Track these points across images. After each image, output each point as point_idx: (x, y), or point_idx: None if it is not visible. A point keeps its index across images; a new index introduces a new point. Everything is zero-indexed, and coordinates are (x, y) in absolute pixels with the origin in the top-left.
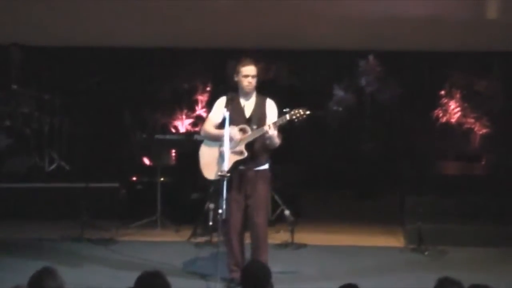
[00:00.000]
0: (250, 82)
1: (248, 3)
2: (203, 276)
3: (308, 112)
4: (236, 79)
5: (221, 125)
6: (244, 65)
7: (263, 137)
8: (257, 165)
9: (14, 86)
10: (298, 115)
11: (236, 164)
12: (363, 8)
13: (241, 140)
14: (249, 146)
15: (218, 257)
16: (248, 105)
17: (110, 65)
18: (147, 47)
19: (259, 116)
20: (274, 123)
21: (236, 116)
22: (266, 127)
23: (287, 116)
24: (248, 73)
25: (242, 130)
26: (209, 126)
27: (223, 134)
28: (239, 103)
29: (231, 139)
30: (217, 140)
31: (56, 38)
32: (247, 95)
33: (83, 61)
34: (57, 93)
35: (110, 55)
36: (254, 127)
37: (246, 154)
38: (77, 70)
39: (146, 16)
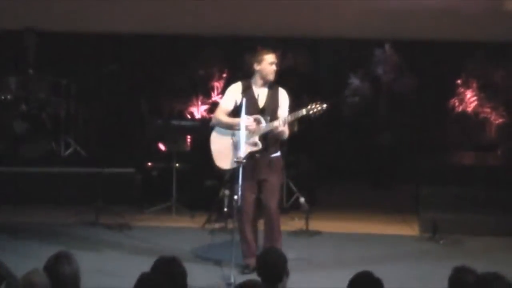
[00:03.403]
0: (275, 70)
1: None
2: (218, 262)
3: (325, 106)
4: (257, 67)
5: (232, 113)
6: (268, 53)
7: (275, 130)
8: (270, 154)
9: (31, 71)
10: (315, 109)
11: (250, 155)
12: None
13: (255, 132)
14: (263, 137)
15: (233, 243)
16: (261, 95)
17: (127, 52)
18: (164, 34)
19: (272, 107)
20: (285, 119)
21: (249, 105)
22: (277, 123)
23: (304, 111)
24: (273, 60)
25: (257, 121)
26: (221, 114)
27: (236, 123)
28: (252, 92)
29: (245, 129)
30: (229, 128)
31: (73, 24)
32: (262, 84)
33: (99, 47)
34: (74, 79)
35: (126, 42)
36: (268, 118)
37: (260, 145)
38: (94, 56)
39: (163, 3)
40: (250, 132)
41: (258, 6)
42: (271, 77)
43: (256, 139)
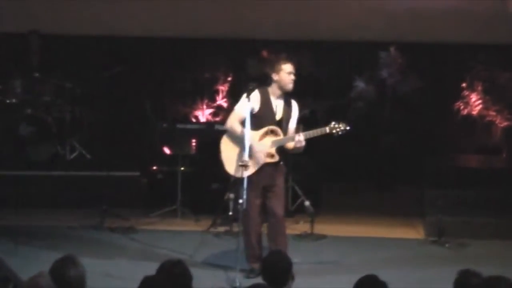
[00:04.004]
0: (292, 80)
1: None
2: (223, 266)
3: (348, 128)
4: (276, 77)
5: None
6: (285, 62)
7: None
8: (276, 162)
9: (36, 74)
10: (338, 129)
11: (264, 165)
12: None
13: (273, 143)
14: (280, 149)
15: (238, 247)
16: (278, 105)
17: (132, 55)
18: (168, 36)
19: (287, 119)
20: (308, 134)
21: (266, 114)
22: (297, 137)
23: (327, 129)
24: (292, 69)
25: (273, 132)
26: (235, 121)
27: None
28: (270, 102)
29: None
30: (241, 138)
31: (78, 27)
32: (280, 95)
33: (105, 50)
34: (79, 82)
35: (132, 45)
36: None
37: (278, 158)
38: (99, 59)
39: (168, 6)
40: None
41: (263, 9)
42: (289, 87)
43: (273, 150)
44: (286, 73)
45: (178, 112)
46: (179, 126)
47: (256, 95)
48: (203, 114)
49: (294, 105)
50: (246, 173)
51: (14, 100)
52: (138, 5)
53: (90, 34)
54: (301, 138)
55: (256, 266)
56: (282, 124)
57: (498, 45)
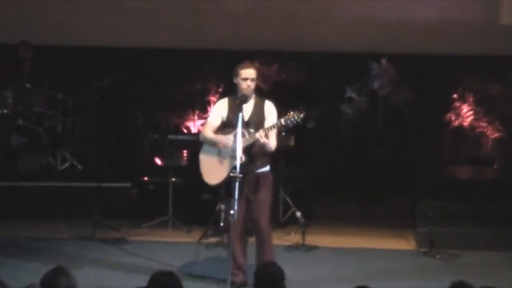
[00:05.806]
0: (248, 85)
1: (262, 5)
2: (214, 278)
3: (301, 116)
4: (235, 81)
5: (219, 129)
6: (243, 68)
7: (257, 142)
8: (257, 169)
9: (27, 85)
10: (292, 119)
11: (248, 174)
12: (377, 11)
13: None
14: (247, 150)
15: (229, 258)
16: (246, 108)
17: (124, 66)
18: (160, 48)
19: (257, 119)
20: (266, 130)
21: (234, 119)
22: (257, 135)
23: (282, 121)
24: (246, 76)
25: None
26: (208, 131)
27: (219, 140)
28: (237, 106)
29: (226, 145)
30: (213, 145)
31: (70, 38)
32: (246, 98)
33: (96, 61)
34: (70, 93)
35: (123, 56)
36: (252, 130)
37: (243, 159)
38: (91, 70)
39: (160, 17)
40: (232, 148)
41: (255, 21)
42: (245, 92)
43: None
44: (241, 79)
45: (169, 123)
46: (171, 137)
47: (224, 102)
48: (195, 125)
49: (268, 105)
50: (221, 178)
51: (5, 111)
52: (130, 17)
53: (81, 45)
54: (258, 135)
55: (237, 279)
56: (250, 125)
57: (489, 57)
